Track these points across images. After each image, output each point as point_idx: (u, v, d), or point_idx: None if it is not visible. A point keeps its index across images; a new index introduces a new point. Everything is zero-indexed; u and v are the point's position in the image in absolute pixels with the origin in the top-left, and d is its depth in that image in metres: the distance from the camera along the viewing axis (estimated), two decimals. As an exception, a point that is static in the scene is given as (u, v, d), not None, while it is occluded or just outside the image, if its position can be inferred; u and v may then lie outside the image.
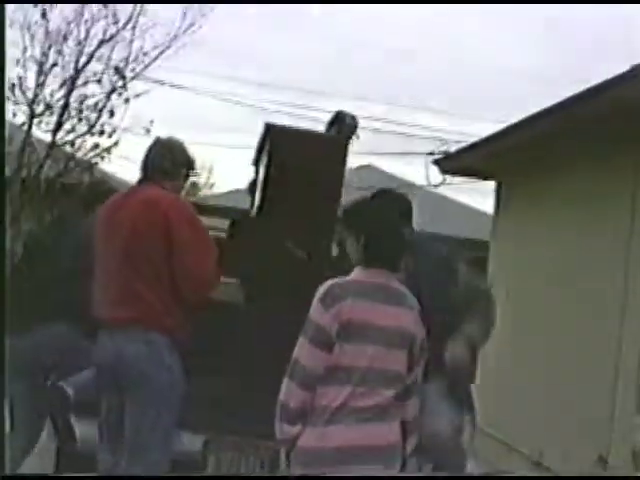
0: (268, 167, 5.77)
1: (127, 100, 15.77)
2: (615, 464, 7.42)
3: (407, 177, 21.19)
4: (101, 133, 15.52)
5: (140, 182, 5.02)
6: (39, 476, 4.80)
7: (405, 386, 3.99)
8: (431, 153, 12.73)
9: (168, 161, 4.96)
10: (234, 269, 5.75)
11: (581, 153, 8.71)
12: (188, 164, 5.06)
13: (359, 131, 6.84)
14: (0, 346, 4.81)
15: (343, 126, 6.80)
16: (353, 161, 7.10)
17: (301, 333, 3.96)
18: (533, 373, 9.29)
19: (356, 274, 4.04)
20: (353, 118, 6.90)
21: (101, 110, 15.52)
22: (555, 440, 8.50)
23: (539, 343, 9.30)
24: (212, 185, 46.70)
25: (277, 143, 5.70)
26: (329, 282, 4.00)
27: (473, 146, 10.73)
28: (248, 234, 5.86)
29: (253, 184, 6.73)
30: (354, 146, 6.99)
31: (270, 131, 5.78)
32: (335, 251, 6.58)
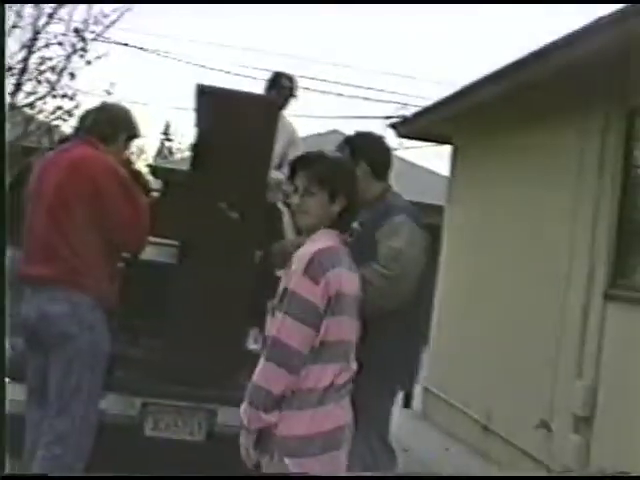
0: (199, 128, 5.72)
1: (88, 62, 15.67)
2: (557, 428, 7.47)
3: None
4: (63, 96, 15.41)
5: (77, 140, 5.01)
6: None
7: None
8: (389, 117, 12.68)
9: (108, 125, 4.99)
10: (167, 229, 5.73)
11: (531, 115, 8.71)
12: (128, 129, 5.08)
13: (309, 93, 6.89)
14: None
15: (279, 88, 6.80)
16: (320, 124, 7.15)
17: (281, 310, 3.52)
18: (483, 339, 9.33)
19: (327, 238, 3.65)
20: (290, 79, 6.88)
21: (61, 72, 15.42)
22: (502, 405, 8.56)
23: (489, 309, 9.34)
24: (185, 149, 46.69)
25: (207, 104, 5.64)
26: (307, 250, 3.57)
27: (428, 109, 10.70)
28: (181, 195, 5.82)
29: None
30: (309, 107, 7.08)
31: (201, 92, 5.71)
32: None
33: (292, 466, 3.52)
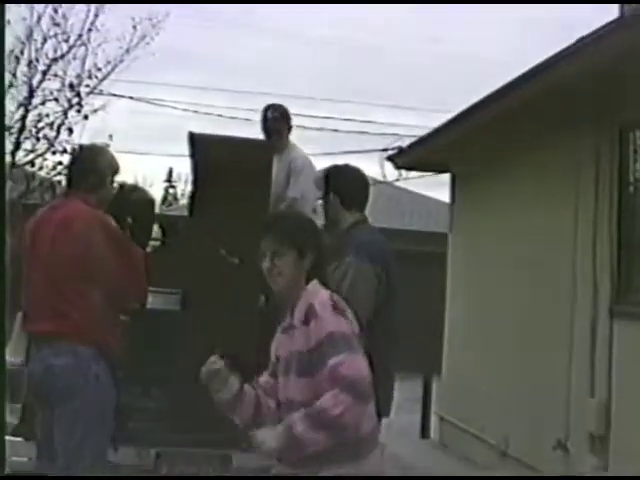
0: (195, 176, 5.77)
1: (85, 117, 15.80)
2: (573, 448, 7.44)
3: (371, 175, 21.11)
4: (63, 152, 15.51)
5: (66, 194, 5.05)
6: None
7: None
8: (385, 149, 12.74)
9: (91, 173, 4.94)
10: (169, 277, 5.77)
11: (524, 137, 8.75)
12: (112, 170, 5.03)
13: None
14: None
15: (266, 121, 6.80)
16: (320, 162, 7.01)
17: (342, 351, 3.36)
18: (495, 364, 9.31)
19: (319, 289, 3.62)
20: (274, 108, 6.85)
21: (59, 128, 15.54)
22: (518, 428, 8.53)
23: (498, 334, 9.33)
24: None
25: (200, 151, 5.70)
26: (325, 299, 3.54)
27: (423, 139, 10.75)
28: (180, 242, 5.86)
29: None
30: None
31: (193, 139, 5.77)
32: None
33: None
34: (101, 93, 16.25)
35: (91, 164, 4.96)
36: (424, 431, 11.47)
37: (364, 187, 5.13)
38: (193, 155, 5.84)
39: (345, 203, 4.96)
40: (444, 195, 18.67)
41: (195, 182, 5.83)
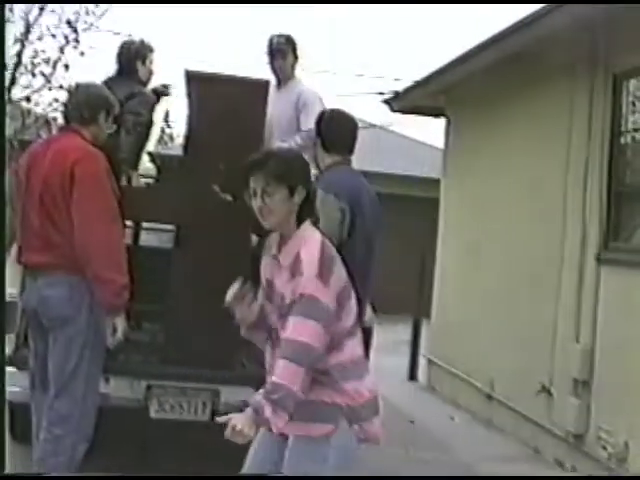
0: (190, 113, 5.81)
1: (82, 54, 15.75)
2: (557, 392, 7.58)
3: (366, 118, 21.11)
4: (60, 87, 15.49)
5: (61, 129, 5.13)
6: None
7: None
8: (381, 92, 12.74)
9: (86, 107, 5.03)
10: (163, 214, 5.83)
11: (520, 83, 8.79)
12: (106, 105, 5.11)
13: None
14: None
15: (271, 49, 6.79)
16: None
17: (302, 314, 3.53)
18: (483, 308, 9.43)
19: (312, 232, 3.72)
20: (280, 36, 6.82)
21: (55, 64, 15.51)
22: (504, 372, 8.67)
23: (487, 279, 9.43)
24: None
25: (195, 89, 5.72)
26: (310, 254, 3.60)
27: (419, 84, 10.77)
28: (174, 180, 5.92)
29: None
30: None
31: (189, 77, 5.80)
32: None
33: (360, 431, 3.69)
34: (98, 30, 16.20)
35: (84, 98, 5.04)
36: (412, 373, 11.63)
37: (346, 131, 5.26)
38: (189, 92, 5.87)
39: (325, 146, 5.17)
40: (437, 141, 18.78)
41: (190, 120, 5.85)
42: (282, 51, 6.80)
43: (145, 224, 6.66)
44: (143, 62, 6.44)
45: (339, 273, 3.66)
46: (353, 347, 3.75)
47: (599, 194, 7.22)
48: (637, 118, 7.16)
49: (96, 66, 16.06)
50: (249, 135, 5.72)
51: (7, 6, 14.76)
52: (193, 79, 5.76)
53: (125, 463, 6.06)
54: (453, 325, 10.45)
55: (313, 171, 5.09)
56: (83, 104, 5.02)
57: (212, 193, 5.63)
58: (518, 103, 8.88)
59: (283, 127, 6.63)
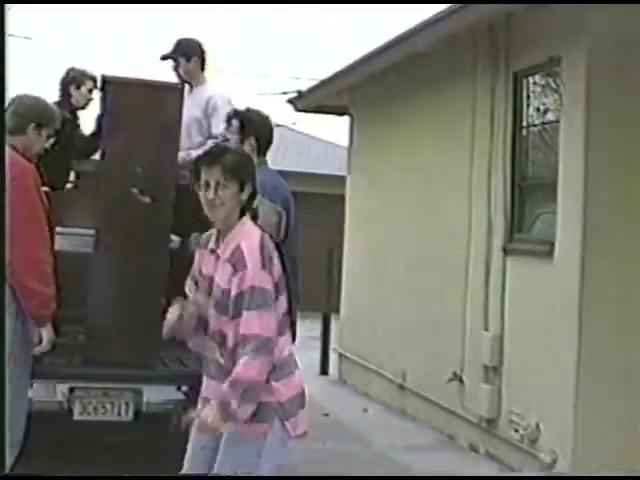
0: (107, 117, 5.89)
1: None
2: (468, 379, 7.84)
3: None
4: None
5: None
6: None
7: None
8: (285, 92, 12.88)
9: (14, 116, 5.04)
10: (81, 218, 5.89)
11: (423, 82, 9.05)
12: (36, 118, 5.10)
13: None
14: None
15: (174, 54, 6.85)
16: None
17: (255, 307, 3.68)
18: (393, 302, 9.64)
19: (251, 227, 3.87)
20: (179, 44, 6.84)
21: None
22: (416, 363, 8.90)
23: (396, 273, 9.64)
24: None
25: (112, 93, 5.81)
26: (255, 246, 3.76)
27: (323, 83, 10.96)
28: (93, 184, 5.97)
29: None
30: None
31: (106, 82, 5.89)
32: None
33: (290, 427, 3.84)
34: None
35: (14, 109, 5.05)
36: (324, 368, 11.81)
37: (272, 132, 5.44)
38: (105, 97, 5.94)
39: (260, 147, 5.31)
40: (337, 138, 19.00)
41: (107, 123, 5.91)
42: (185, 56, 6.83)
43: (59, 229, 6.69)
44: (77, 87, 6.78)
45: (277, 266, 3.82)
46: (284, 344, 3.89)
47: (503, 188, 7.49)
48: (536, 114, 7.45)
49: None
50: (165, 138, 5.84)
51: None
52: (109, 83, 5.84)
53: (49, 466, 6.09)
54: (363, 319, 10.65)
55: None
56: (12, 114, 5.01)
57: (130, 196, 5.71)
58: (423, 101, 9.12)
59: (191, 129, 6.69)
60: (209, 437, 3.89)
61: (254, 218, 3.92)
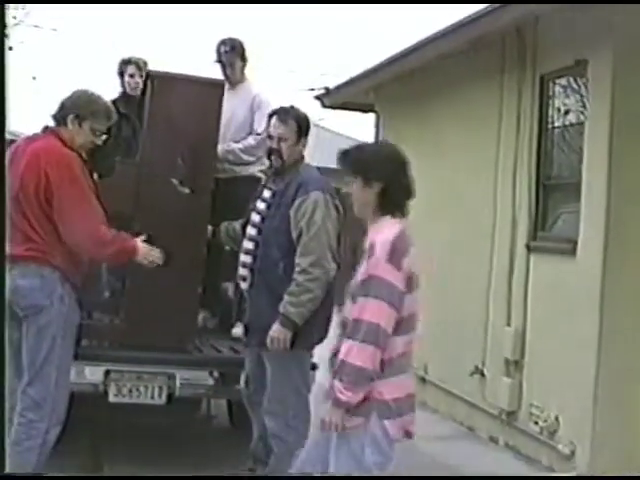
0: (150, 110, 6.09)
1: (11, 48, 15.75)
2: (490, 373, 8.02)
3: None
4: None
5: (44, 129, 5.29)
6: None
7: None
8: (312, 89, 13.08)
9: (58, 108, 5.24)
10: (122, 209, 6.09)
11: (450, 82, 9.21)
12: (75, 108, 5.22)
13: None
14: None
15: (220, 56, 6.95)
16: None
17: (371, 295, 3.88)
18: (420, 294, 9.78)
19: (391, 224, 4.05)
20: (226, 43, 6.95)
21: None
22: (438, 357, 9.06)
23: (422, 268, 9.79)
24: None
25: (155, 88, 6.03)
26: (387, 240, 3.94)
27: (352, 80, 11.14)
28: (134, 175, 6.18)
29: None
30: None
31: (150, 77, 6.12)
32: None
33: (392, 427, 3.98)
34: (31, 25, 16.23)
35: (63, 101, 5.25)
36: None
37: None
38: (148, 91, 6.17)
39: (300, 131, 5.55)
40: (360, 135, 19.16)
41: (149, 116, 6.12)
42: (231, 63, 6.97)
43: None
44: (121, 75, 7.26)
45: (411, 263, 3.96)
46: (400, 344, 3.98)
47: (528, 187, 7.67)
48: (561, 116, 7.62)
49: (25, 61, 16.23)
50: (205, 132, 6.07)
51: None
52: (153, 78, 6.07)
53: (87, 446, 6.32)
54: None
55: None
56: (59, 107, 5.24)
57: (171, 186, 5.93)
58: (450, 100, 9.28)
59: (236, 127, 6.87)
60: (321, 434, 4.09)
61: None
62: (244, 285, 5.60)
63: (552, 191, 7.66)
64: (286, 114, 5.52)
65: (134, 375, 6.20)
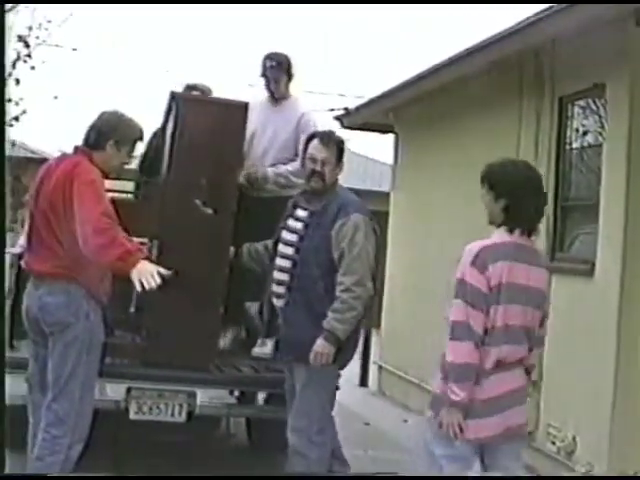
0: (174, 132, 6.18)
1: (33, 68, 15.94)
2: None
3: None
4: (9, 101, 15.64)
5: (75, 149, 5.36)
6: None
7: (535, 339, 4.48)
8: (332, 109, 13.21)
9: (94, 132, 5.31)
10: (145, 229, 6.19)
11: (469, 103, 9.30)
12: (115, 136, 5.28)
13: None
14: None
15: (265, 71, 6.80)
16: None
17: (459, 296, 4.19)
18: (433, 317, 9.79)
19: (499, 236, 4.31)
20: (272, 58, 6.78)
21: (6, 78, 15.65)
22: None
23: (436, 289, 9.81)
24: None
25: (182, 110, 6.12)
26: (477, 245, 4.25)
27: (372, 102, 11.25)
28: (158, 195, 6.27)
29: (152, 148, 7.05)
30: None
31: (175, 99, 6.22)
32: None
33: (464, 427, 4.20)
34: (52, 45, 16.38)
35: (97, 124, 5.33)
36: (363, 380, 12.07)
37: None
38: (172, 111, 6.26)
39: (340, 166, 5.72)
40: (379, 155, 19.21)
41: (173, 137, 6.21)
42: (275, 79, 6.81)
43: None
44: None
45: (500, 273, 4.18)
46: (492, 354, 4.21)
47: (546, 208, 7.70)
48: (579, 138, 7.69)
49: (48, 80, 16.37)
50: (229, 153, 6.17)
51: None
52: (178, 100, 6.18)
53: (107, 463, 6.38)
54: (403, 333, 10.88)
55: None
56: (94, 129, 5.31)
57: (194, 207, 6.02)
58: (468, 122, 9.36)
59: (280, 145, 6.78)
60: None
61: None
62: (279, 302, 5.71)
63: (570, 212, 7.72)
64: (329, 138, 5.68)
65: (155, 393, 6.26)
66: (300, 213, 5.66)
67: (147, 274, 4.89)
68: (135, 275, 4.89)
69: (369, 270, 5.53)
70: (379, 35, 50.03)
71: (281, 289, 5.65)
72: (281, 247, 5.69)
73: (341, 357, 5.57)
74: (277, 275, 5.67)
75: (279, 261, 5.67)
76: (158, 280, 4.92)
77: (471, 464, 4.30)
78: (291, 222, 5.68)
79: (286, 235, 5.68)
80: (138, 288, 4.92)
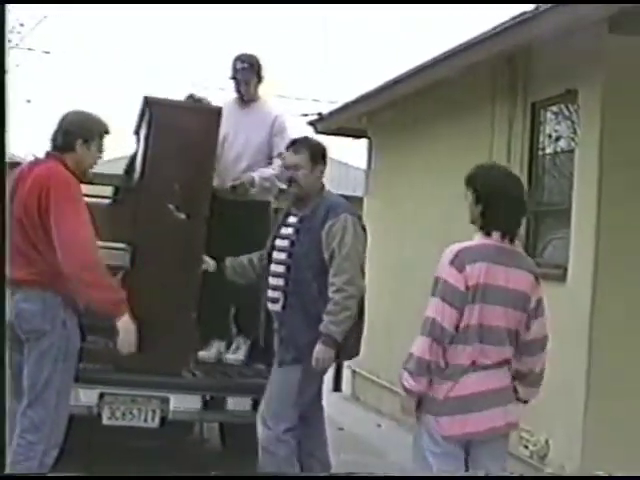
0: (147, 137, 6.16)
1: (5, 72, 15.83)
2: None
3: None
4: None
5: (47, 154, 5.35)
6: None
7: (523, 342, 4.41)
8: (305, 114, 13.23)
9: (60, 134, 5.29)
10: (119, 234, 6.16)
11: (442, 108, 9.35)
12: (81, 132, 5.27)
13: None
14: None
15: (235, 72, 6.73)
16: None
17: (434, 294, 4.27)
18: (409, 323, 9.76)
19: (479, 239, 4.40)
20: (243, 60, 6.71)
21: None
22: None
23: (412, 295, 9.83)
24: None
25: (155, 114, 6.11)
26: (458, 246, 4.34)
27: (345, 107, 11.26)
28: (132, 200, 6.24)
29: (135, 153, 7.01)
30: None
31: (149, 103, 6.20)
32: None
33: (441, 425, 4.26)
34: (26, 49, 16.33)
35: (62, 125, 5.30)
36: (337, 385, 12.06)
37: None
38: (145, 116, 6.25)
39: (320, 169, 5.76)
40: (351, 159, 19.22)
41: (147, 142, 6.19)
42: (246, 81, 6.75)
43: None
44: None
45: (477, 274, 4.23)
46: (464, 353, 4.25)
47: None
48: (552, 143, 7.72)
49: (20, 84, 16.30)
50: (202, 158, 6.16)
51: None
52: (151, 104, 6.16)
53: (80, 468, 6.34)
54: (379, 338, 10.83)
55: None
56: (59, 131, 5.29)
57: (167, 212, 6.00)
58: (442, 127, 9.39)
59: (252, 149, 6.73)
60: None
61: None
62: (275, 307, 5.75)
63: (543, 217, 7.75)
64: (300, 144, 5.76)
65: (128, 398, 6.26)
66: (291, 220, 5.76)
67: (131, 336, 5.30)
68: (122, 328, 5.26)
69: (360, 269, 5.65)
70: (379, 35, 50.15)
71: (276, 294, 5.71)
72: (275, 254, 5.76)
73: (343, 354, 5.77)
74: (272, 281, 5.75)
75: (273, 267, 5.75)
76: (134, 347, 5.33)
77: (458, 460, 4.34)
78: (283, 229, 5.78)
79: (278, 242, 5.76)
80: (120, 346, 5.32)
